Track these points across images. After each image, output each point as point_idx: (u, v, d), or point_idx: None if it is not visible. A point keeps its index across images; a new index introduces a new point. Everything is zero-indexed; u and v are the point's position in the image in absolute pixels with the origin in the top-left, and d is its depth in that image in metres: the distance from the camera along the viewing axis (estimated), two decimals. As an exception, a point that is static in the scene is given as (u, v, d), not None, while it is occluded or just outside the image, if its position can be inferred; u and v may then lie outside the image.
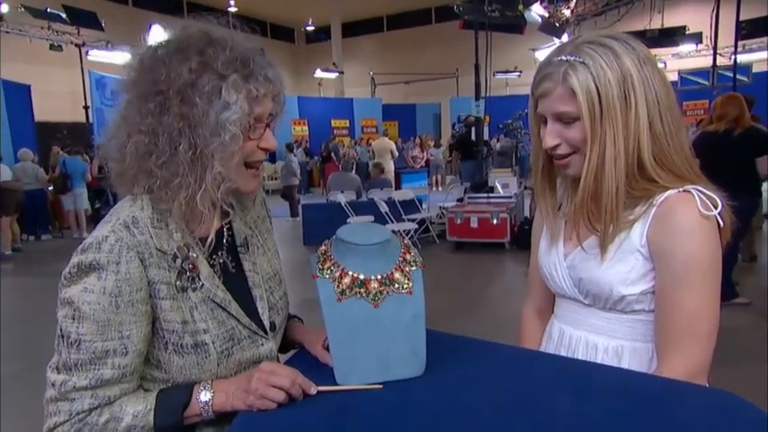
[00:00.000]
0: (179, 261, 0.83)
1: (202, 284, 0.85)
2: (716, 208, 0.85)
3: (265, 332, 0.92)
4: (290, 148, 11.42)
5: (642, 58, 0.87)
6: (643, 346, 0.95)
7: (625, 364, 0.95)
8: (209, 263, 0.88)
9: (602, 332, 0.97)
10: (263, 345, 0.91)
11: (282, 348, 1.08)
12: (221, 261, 0.91)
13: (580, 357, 0.99)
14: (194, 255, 0.85)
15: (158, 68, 0.80)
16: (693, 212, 0.85)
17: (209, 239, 0.89)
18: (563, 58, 0.88)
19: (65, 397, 0.78)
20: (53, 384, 0.79)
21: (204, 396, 0.82)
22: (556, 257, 1.02)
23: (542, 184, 1.02)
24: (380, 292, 0.86)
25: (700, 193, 0.85)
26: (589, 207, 0.91)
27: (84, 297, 0.77)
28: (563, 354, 1.02)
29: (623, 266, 0.91)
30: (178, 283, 0.83)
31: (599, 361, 0.96)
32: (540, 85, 0.91)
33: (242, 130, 0.81)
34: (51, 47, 11.61)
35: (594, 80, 0.85)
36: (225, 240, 0.93)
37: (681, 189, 0.87)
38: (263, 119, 0.86)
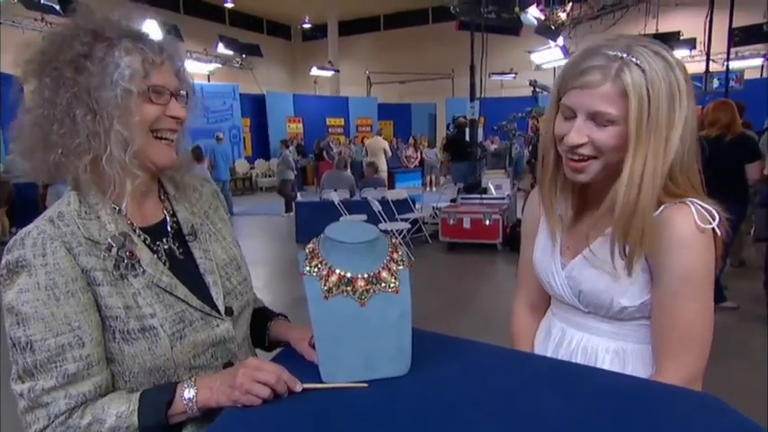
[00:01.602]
0: (114, 250, 0.83)
1: (144, 270, 0.85)
2: (713, 220, 0.84)
3: (220, 314, 0.92)
4: (285, 144, 11.45)
5: (687, 75, 0.85)
6: (645, 347, 0.95)
7: (630, 365, 0.95)
8: (152, 250, 0.88)
9: (603, 335, 0.98)
10: (218, 326, 0.91)
11: (269, 347, 1.08)
12: (166, 248, 0.91)
13: (580, 358, 1.00)
14: (132, 243, 0.85)
15: (54, 45, 0.82)
16: (690, 225, 0.84)
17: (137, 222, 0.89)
18: (617, 53, 0.82)
19: (38, 403, 0.78)
20: (21, 395, 0.78)
21: (188, 393, 0.81)
22: (553, 266, 1.01)
23: (552, 182, 0.97)
24: (367, 291, 0.87)
25: (696, 206, 0.85)
26: (623, 220, 0.85)
27: (21, 298, 0.77)
28: (562, 353, 1.03)
29: (624, 280, 0.90)
30: (116, 271, 0.83)
31: (600, 362, 0.97)
32: (584, 75, 0.83)
33: (136, 88, 0.82)
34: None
35: (647, 86, 0.80)
36: (169, 228, 0.94)
37: (677, 201, 0.86)
38: (166, 89, 0.87)
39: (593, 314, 0.98)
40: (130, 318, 0.82)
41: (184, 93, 0.91)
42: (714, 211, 0.85)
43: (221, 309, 0.92)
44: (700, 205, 0.85)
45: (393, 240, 0.95)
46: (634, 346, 0.96)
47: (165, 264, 0.89)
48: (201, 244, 0.96)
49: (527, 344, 1.15)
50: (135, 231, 0.88)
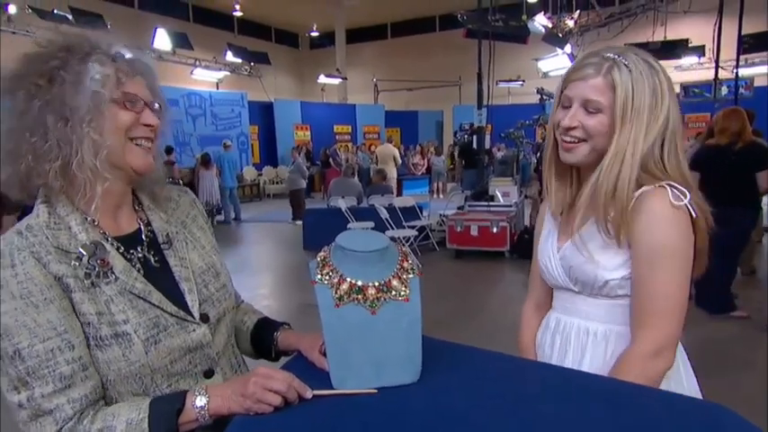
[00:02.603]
0: (85, 258, 0.83)
1: (117, 278, 0.85)
2: (686, 198, 0.94)
3: (195, 319, 0.92)
4: (298, 151, 11.46)
5: (671, 84, 1.00)
6: (628, 330, 1.01)
7: (611, 348, 1.03)
8: (126, 258, 0.89)
9: (592, 318, 1.06)
10: (194, 330, 0.91)
11: (275, 357, 1.09)
12: (140, 257, 0.92)
13: (573, 342, 1.07)
14: (104, 251, 0.86)
15: (25, 65, 0.84)
16: (665, 203, 0.94)
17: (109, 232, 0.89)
18: (610, 55, 0.98)
19: (41, 410, 0.78)
20: (20, 405, 0.78)
21: (199, 401, 0.82)
22: (550, 250, 1.10)
23: (550, 161, 1.10)
24: (378, 299, 0.87)
25: (672, 188, 0.95)
26: (605, 192, 0.97)
27: None
28: (558, 340, 1.11)
29: (605, 255, 1.00)
30: (86, 280, 0.83)
31: (589, 344, 1.05)
32: (580, 70, 0.99)
33: (109, 93, 0.84)
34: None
35: (633, 83, 0.95)
36: (144, 237, 0.94)
37: (656, 185, 0.96)
38: (140, 98, 0.88)
39: (581, 294, 1.06)
40: (102, 324, 0.82)
41: (158, 106, 0.92)
42: (686, 191, 0.95)
43: (196, 315, 0.92)
44: (675, 187, 0.95)
45: (404, 249, 0.96)
46: (620, 328, 1.03)
47: (139, 272, 0.89)
48: (177, 252, 0.96)
49: (529, 341, 1.22)
50: (108, 240, 0.88)
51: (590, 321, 1.06)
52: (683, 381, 1.04)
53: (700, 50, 11.74)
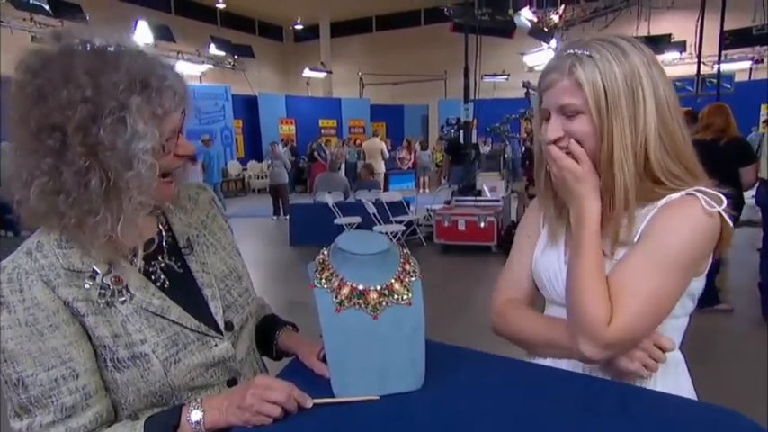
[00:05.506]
0: (99, 277, 0.79)
1: (133, 295, 0.81)
2: (720, 205, 0.84)
3: (219, 332, 0.88)
4: (285, 144, 11.31)
5: (650, 59, 0.88)
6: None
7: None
8: (147, 270, 0.85)
9: None
10: (216, 345, 0.87)
11: (277, 356, 1.06)
12: (162, 265, 0.88)
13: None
14: (119, 267, 0.81)
15: (49, 100, 0.72)
16: (697, 209, 0.84)
17: (139, 254, 0.84)
18: (571, 51, 0.88)
19: None
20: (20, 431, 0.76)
21: (194, 416, 0.78)
22: (556, 263, 0.99)
23: (546, 182, 0.98)
24: (380, 303, 0.84)
25: (703, 195, 0.85)
26: (603, 202, 0.89)
27: (4, 335, 0.75)
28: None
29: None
30: (100, 300, 0.79)
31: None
32: (545, 78, 0.91)
33: (157, 157, 0.78)
34: (33, 39, 11.37)
35: (600, 73, 0.85)
36: (164, 243, 0.90)
37: (684, 193, 0.86)
38: (176, 131, 0.82)
39: None
40: (119, 346, 0.80)
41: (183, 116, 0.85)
42: (722, 197, 0.86)
43: (221, 324, 0.89)
44: (706, 193, 0.85)
45: (405, 251, 0.93)
46: None
47: (165, 284, 0.86)
48: (198, 257, 0.92)
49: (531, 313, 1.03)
50: (123, 255, 0.83)
51: None
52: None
53: (681, 46, 11.89)
